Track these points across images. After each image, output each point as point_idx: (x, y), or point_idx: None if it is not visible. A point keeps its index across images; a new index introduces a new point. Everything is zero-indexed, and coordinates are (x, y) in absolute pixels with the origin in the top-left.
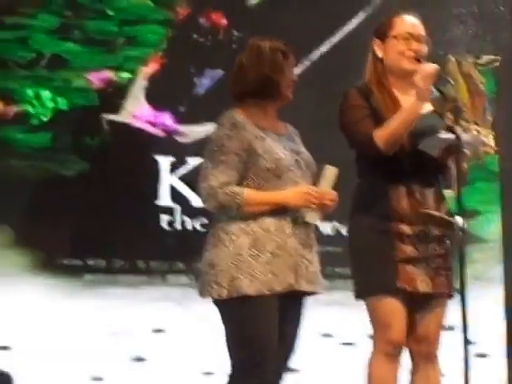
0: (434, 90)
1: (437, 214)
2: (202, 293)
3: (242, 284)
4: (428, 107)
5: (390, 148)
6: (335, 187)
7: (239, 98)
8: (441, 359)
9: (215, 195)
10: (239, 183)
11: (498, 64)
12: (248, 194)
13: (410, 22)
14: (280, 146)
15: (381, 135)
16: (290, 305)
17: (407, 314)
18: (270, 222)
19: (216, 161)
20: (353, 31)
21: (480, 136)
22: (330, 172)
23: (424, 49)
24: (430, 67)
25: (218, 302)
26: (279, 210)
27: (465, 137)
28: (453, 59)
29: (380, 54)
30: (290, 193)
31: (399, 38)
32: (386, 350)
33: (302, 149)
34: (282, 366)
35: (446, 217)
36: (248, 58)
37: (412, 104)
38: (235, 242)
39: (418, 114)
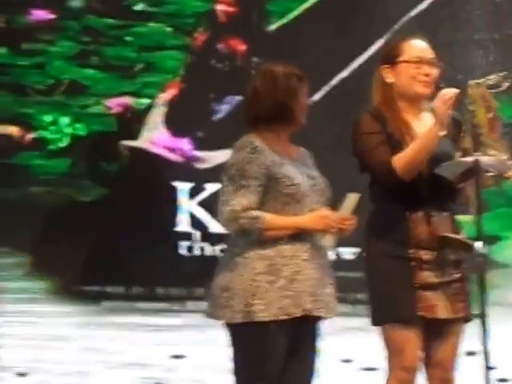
0: None
1: (457, 236)
2: (214, 315)
3: (257, 309)
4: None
5: (410, 175)
6: (356, 212)
7: (253, 124)
8: None
9: (237, 219)
10: (259, 208)
11: (508, 84)
12: (269, 218)
13: (419, 46)
14: (297, 171)
15: (400, 162)
16: (306, 330)
17: (423, 338)
18: (286, 247)
19: (236, 185)
20: (372, 57)
21: (505, 159)
22: (352, 197)
23: (435, 72)
24: (450, 92)
25: (230, 326)
26: (296, 235)
27: (489, 160)
28: (473, 83)
29: (390, 79)
30: (310, 217)
31: (410, 62)
32: (400, 376)
33: (316, 173)
34: None
35: (467, 239)
36: (262, 83)
37: (431, 128)
38: (250, 267)
39: (437, 139)
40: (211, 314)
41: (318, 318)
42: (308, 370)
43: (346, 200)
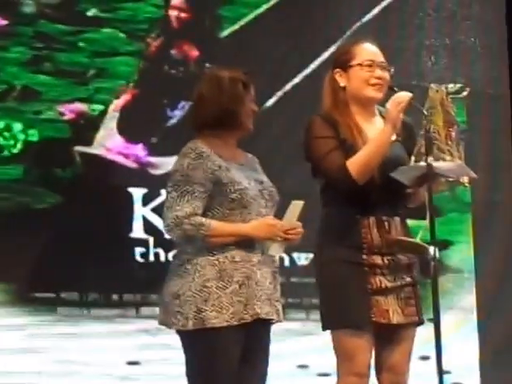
0: None
1: (413, 240)
2: (166, 323)
3: (209, 316)
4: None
5: (364, 178)
6: (309, 218)
7: (200, 129)
8: None
9: (180, 225)
10: (204, 213)
11: (465, 94)
12: (214, 225)
13: (371, 50)
14: (244, 176)
15: (354, 166)
16: (257, 335)
17: (375, 343)
18: (235, 253)
19: (181, 191)
20: (325, 63)
21: (462, 165)
22: (296, 205)
23: (387, 76)
24: (403, 95)
25: (182, 333)
26: (246, 241)
27: (447, 166)
28: (433, 87)
29: (343, 83)
30: (255, 225)
31: (363, 65)
32: (351, 381)
33: (265, 178)
34: None
35: (420, 242)
36: (208, 89)
37: (383, 131)
38: (201, 273)
39: (389, 142)
40: (163, 322)
41: (269, 323)
42: (259, 375)
43: (291, 208)
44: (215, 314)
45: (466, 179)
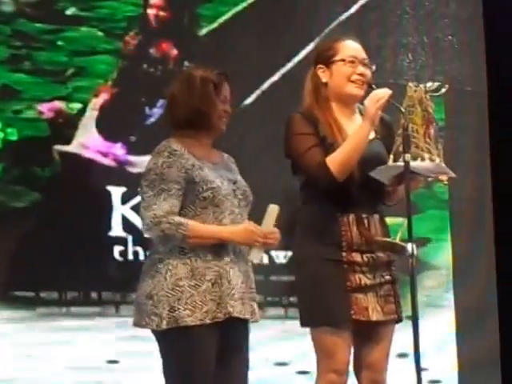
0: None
1: (387, 239)
2: (140, 324)
3: (182, 314)
4: (371, 134)
5: (344, 175)
6: (287, 216)
7: (173, 129)
8: None
9: (159, 224)
10: (180, 212)
11: (444, 91)
12: (192, 225)
13: (354, 47)
14: (217, 175)
15: (333, 163)
16: (233, 333)
17: (354, 341)
18: (208, 251)
19: (157, 189)
20: (303, 61)
21: (441, 163)
22: (273, 209)
23: (369, 73)
24: (382, 92)
25: (157, 333)
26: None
27: (426, 164)
28: (412, 86)
29: (325, 78)
30: (235, 230)
31: (346, 62)
32: (330, 378)
33: (239, 178)
34: None
35: (396, 240)
36: (179, 89)
37: (361, 127)
38: (173, 272)
39: (367, 138)
40: (137, 323)
41: (245, 322)
42: (238, 374)
43: (268, 211)
44: (188, 312)
45: (444, 178)
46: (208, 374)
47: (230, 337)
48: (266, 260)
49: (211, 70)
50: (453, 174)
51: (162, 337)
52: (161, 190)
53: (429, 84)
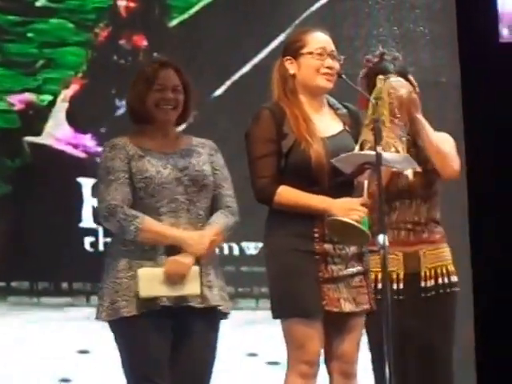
0: (340, 106)
1: (356, 224)
2: (96, 316)
3: (121, 305)
4: (339, 126)
5: (279, 208)
6: (258, 207)
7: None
8: (363, 377)
9: (115, 214)
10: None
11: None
12: (148, 221)
13: (323, 39)
14: (158, 164)
15: (281, 198)
16: (186, 320)
17: (325, 332)
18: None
19: (106, 181)
20: (274, 52)
21: (407, 156)
22: None
23: (337, 65)
24: (356, 203)
25: (109, 324)
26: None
27: (392, 156)
28: (381, 78)
29: (293, 70)
30: (190, 235)
31: (314, 54)
32: (301, 369)
33: (194, 162)
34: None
35: (366, 230)
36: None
37: (323, 208)
38: (114, 264)
39: (322, 212)
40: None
41: (200, 309)
42: (197, 359)
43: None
44: (125, 303)
45: (410, 171)
46: (156, 361)
47: (183, 323)
48: (236, 251)
49: (153, 60)
50: (418, 168)
51: (110, 328)
52: (110, 181)
53: (393, 78)
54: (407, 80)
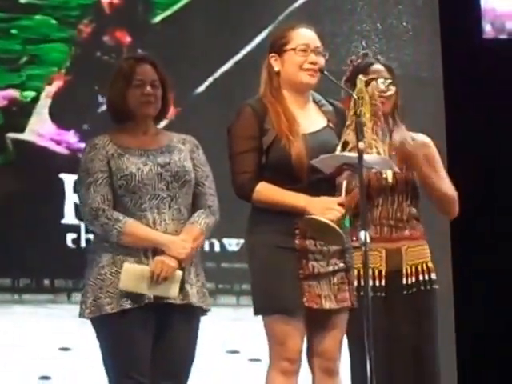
0: (326, 102)
1: (329, 223)
2: (79, 313)
3: (104, 302)
4: (323, 122)
5: (258, 205)
6: (239, 203)
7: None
8: (346, 374)
9: (97, 218)
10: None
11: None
12: (129, 225)
13: (306, 35)
14: (138, 162)
15: (260, 195)
16: (165, 315)
17: (307, 328)
18: None
19: (86, 184)
20: (256, 48)
21: (387, 158)
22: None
23: (322, 61)
24: (332, 202)
25: (91, 322)
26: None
27: (372, 157)
28: (362, 78)
29: (277, 67)
30: (173, 240)
31: (297, 50)
32: (282, 366)
33: (176, 158)
34: (173, 380)
35: (339, 230)
36: (109, 84)
37: (302, 207)
38: (98, 261)
39: (300, 210)
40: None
41: (186, 306)
42: (178, 352)
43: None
44: (109, 300)
45: (389, 173)
46: (138, 358)
47: (163, 318)
48: (217, 248)
49: (128, 56)
50: (397, 170)
51: (92, 324)
52: (89, 183)
53: (380, 80)
54: (391, 74)
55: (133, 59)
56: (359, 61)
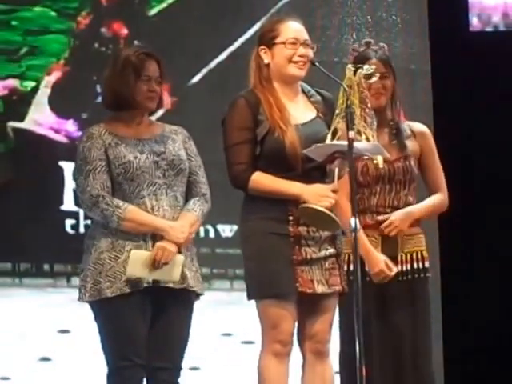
0: (314, 92)
1: (326, 211)
2: (78, 297)
3: (104, 286)
4: (312, 113)
5: (255, 194)
6: (233, 190)
7: (107, 110)
8: (334, 356)
9: (97, 204)
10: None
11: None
12: (129, 211)
13: (295, 28)
14: (134, 150)
15: (257, 184)
16: (161, 299)
17: (298, 312)
18: None
19: (84, 172)
20: (250, 40)
21: (378, 144)
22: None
23: (310, 53)
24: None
25: (90, 305)
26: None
27: (363, 144)
28: (351, 67)
29: (267, 59)
30: (173, 225)
31: (287, 43)
32: (274, 349)
33: (170, 148)
34: (168, 361)
35: (335, 217)
36: (107, 72)
37: (294, 193)
38: (96, 246)
39: (295, 198)
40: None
41: (182, 290)
42: (173, 332)
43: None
44: (108, 284)
45: (380, 159)
46: (135, 340)
47: (159, 302)
48: (212, 234)
49: (136, 49)
50: (388, 155)
51: (91, 308)
52: (88, 171)
53: (366, 67)
54: (390, 68)
55: (143, 54)
56: (361, 49)
